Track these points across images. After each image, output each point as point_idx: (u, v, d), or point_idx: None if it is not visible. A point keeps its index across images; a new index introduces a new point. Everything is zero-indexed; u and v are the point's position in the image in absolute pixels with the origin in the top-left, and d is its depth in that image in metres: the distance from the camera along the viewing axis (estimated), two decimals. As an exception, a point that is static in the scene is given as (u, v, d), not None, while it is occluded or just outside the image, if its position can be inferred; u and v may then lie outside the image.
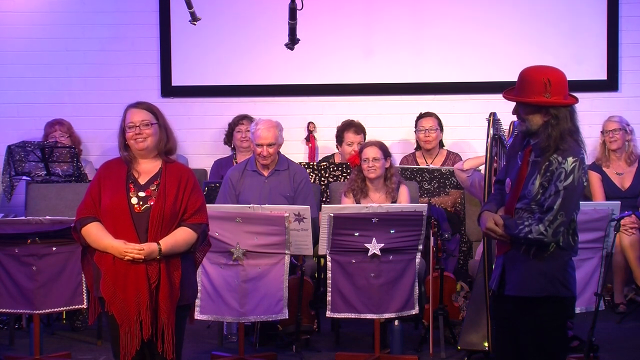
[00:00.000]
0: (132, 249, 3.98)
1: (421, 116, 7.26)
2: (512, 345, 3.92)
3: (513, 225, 3.80)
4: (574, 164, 3.73)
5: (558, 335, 3.86)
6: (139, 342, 4.00)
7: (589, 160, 7.18)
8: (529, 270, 3.81)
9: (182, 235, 4.10)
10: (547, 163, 3.76)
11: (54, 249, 5.37)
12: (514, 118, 5.17)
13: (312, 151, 7.52)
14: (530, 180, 3.80)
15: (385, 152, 6.10)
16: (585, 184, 3.81)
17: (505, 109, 5.00)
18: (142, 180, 4.13)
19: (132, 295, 3.99)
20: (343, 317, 5.52)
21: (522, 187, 3.83)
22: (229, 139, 7.30)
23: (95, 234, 4.05)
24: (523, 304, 3.83)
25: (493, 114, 5.51)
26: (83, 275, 4.26)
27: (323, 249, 5.46)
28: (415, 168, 6.86)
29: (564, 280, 3.83)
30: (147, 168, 4.17)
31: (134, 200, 4.07)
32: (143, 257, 3.98)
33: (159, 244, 4.02)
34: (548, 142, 3.76)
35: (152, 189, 4.11)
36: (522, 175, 3.84)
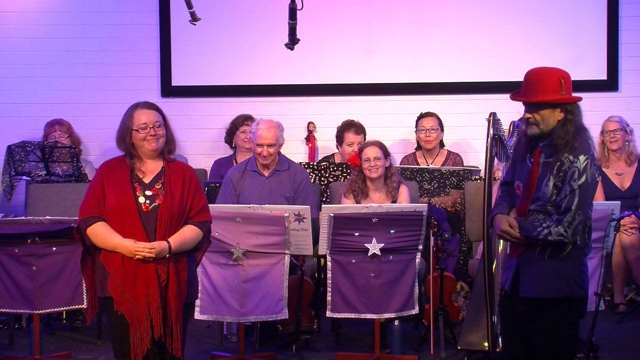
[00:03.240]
0: (142, 248, 3.98)
1: (422, 116, 7.26)
2: (522, 346, 3.92)
3: (530, 228, 3.80)
4: (586, 162, 3.75)
5: (571, 334, 3.88)
6: (149, 341, 4.00)
7: (589, 160, 7.21)
8: (545, 271, 3.82)
9: (189, 234, 4.11)
10: (558, 163, 3.77)
11: (54, 249, 5.36)
12: (514, 118, 5.17)
13: (312, 151, 7.52)
14: (543, 181, 3.80)
15: (385, 152, 6.11)
16: (597, 180, 3.84)
17: (505, 109, 5.01)
18: (147, 180, 4.13)
19: (142, 294, 3.99)
20: (343, 317, 5.53)
21: (535, 189, 3.83)
22: (230, 137, 7.29)
23: (103, 233, 4.04)
24: (537, 305, 3.83)
25: (493, 114, 5.51)
26: (82, 275, 4.25)
27: (323, 249, 5.46)
28: (415, 168, 6.86)
29: (579, 280, 3.84)
30: (151, 167, 4.17)
31: (142, 200, 4.07)
32: (154, 256, 3.98)
33: (168, 242, 4.03)
34: (566, 137, 3.76)
35: (158, 187, 4.11)
36: (534, 177, 3.84)
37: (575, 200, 3.73)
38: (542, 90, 3.80)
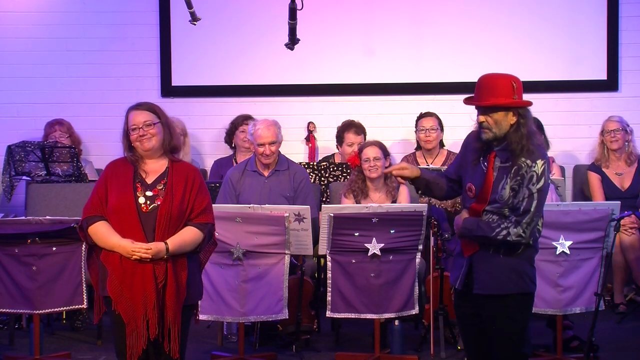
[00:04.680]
0: (139, 249, 3.97)
1: (422, 116, 7.25)
2: (481, 341, 4.04)
3: (488, 228, 3.89)
4: (543, 166, 3.87)
5: (526, 326, 4.01)
6: (145, 341, 4.00)
7: (588, 161, 7.22)
8: (501, 268, 3.93)
9: (188, 235, 4.10)
10: (515, 167, 3.87)
11: (54, 249, 5.36)
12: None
13: (312, 151, 7.52)
14: (499, 185, 3.90)
15: (385, 152, 6.11)
16: (549, 182, 3.98)
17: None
18: (149, 180, 4.13)
19: (139, 295, 3.99)
20: (343, 317, 5.53)
21: (490, 192, 3.90)
22: (229, 137, 7.29)
23: (102, 233, 4.05)
24: (493, 301, 3.94)
25: (493, 114, 5.49)
26: (89, 273, 4.25)
27: (323, 249, 5.46)
28: (415, 168, 6.85)
29: (532, 275, 3.99)
30: (154, 167, 4.16)
31: (141, 200, 4.07)
32: (150, 257, 3.98)
33: (166, 243, 4.02)
34: (521, 142, 3.86)
35: (159, 188, 4.11)
36: (489, 180, 3.92)
37: (534, 203, 3.84)
38: (495, 94, 3.89)
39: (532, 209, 3.83)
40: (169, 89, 7.73)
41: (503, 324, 3.95)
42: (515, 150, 3.86)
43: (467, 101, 4.03)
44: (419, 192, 4.47)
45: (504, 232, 3.85)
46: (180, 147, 4.29)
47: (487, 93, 3.91)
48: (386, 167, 6.04)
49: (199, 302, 5.23)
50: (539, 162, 3.84)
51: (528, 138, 3.86)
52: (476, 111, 4.05)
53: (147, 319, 4.00)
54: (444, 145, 7.34)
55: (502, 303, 3.93)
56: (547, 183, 3.88)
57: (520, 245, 3.89)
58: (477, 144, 4.02)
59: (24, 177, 6.72)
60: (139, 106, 4.19)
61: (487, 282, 3.94)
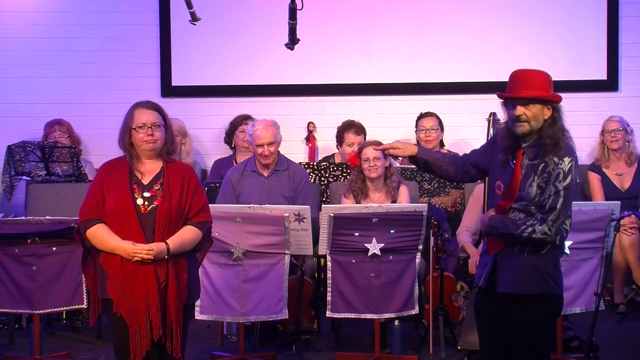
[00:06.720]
0: (140, 250, 3.97)
1: (422, 116, 7.26)
2: (499, 341, 3.99)
3: (513, 226, 3.85)
4: (570, 164, 3.82)
5: (547, 330, 3.96)
6: (148, 343, 3.99)
7: (588, 161, 7.22)
8: (523, 267, 3.89)
9: (188, 234, 4.10)
10: (543, 164, 3.83)
11: (54, 249, 5.36)
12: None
13: (312, 151, 7.52)
14: (527, 182, 3.87)
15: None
16: (578, 181, 3.92)
17: (505, 109, 4.99)
18: (145, 181, 4.12)
19: (141, 296, 3.99)
20: (343, 317, 5.53)
21: (518, 189, 3.88)
22: (229, 137, 7.30)
23: (102, 235, 4.03)
24: (515, 300, 3.90)
25: (493, 114, 5.51)
26: (84, 276, 4.24)
27: (323, 249, 5.46)
28: (415, 168, 6.85)
29: (555, 277, 3.93)
30: (150, 168, 4.15)
31: (140, 201, 4.06)
32: (152, 258, 3.98)
33: (167, 243, 4.02)
34: (557, 136, 3.82)
35: (156, 188, 4.10)
36: (517, 178, 3.90)
37: (560, 200, 3.80)
38: (533, 86, 3.86)
39: (558, 207, 3.79)
40: (168, 89, 7.73)
41: (523, 325, 3.91)
42: (547, 146, 3.82)
43: (502, 95, 3.95)
44: (420, 169, 4.42)
45: (530, 229, 3.81)
46: (176, 151, 4.28)
47: (524, 86, 3.86)
48: (386, 167, 6.06)
49: (198, 302, 5.27)
50: (566, 160, 3.81)
51: (561, 133, 3.83)
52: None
53: (150, 320, 3.99)
54: (444, 145, 7.34)
55: (523, 303, 3.88)
56: (574, 181, 3.83)
57: (546, 244, 3.85)
58: (506, 142, 3.96)
59: (24, 177, 6.72)
60: (147, 105, 4.16)
61: (510, 280, 3.90)
